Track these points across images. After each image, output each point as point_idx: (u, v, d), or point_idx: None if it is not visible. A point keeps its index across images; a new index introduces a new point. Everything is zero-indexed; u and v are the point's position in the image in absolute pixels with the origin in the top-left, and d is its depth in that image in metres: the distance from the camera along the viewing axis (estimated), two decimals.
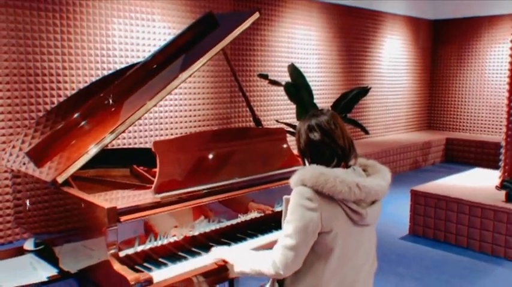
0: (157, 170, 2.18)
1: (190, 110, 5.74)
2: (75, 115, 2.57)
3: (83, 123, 2.55)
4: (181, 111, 5.64)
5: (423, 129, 9.99)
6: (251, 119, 6.41)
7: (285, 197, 1.90)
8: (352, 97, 4.80)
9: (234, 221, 2.32)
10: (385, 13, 8.54)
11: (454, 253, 4.36)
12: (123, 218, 1.92)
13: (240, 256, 1.92)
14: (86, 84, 4.73)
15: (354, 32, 7.93)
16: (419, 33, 9.54)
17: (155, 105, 2.45)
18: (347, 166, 1.86)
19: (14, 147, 2.89)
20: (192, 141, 2.36)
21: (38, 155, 2.47)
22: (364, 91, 4.89)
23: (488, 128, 9.24)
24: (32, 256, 2.50)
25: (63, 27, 4.60)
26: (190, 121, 5.77)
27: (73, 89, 4.70)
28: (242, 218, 2.36)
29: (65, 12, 4.60)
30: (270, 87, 6.48)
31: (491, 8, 8.94)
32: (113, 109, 2.52)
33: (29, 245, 2.59)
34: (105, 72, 4.91)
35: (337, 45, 7.65)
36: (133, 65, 3.28)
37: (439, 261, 4.19)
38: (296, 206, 1.77)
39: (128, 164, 3.09)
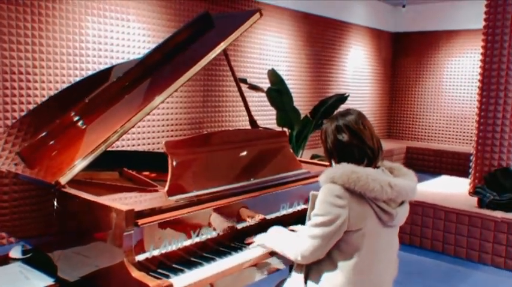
0: (169, 171, 2.07)
1: (162, 114, 5.59)
2: (70, 115, 2.43)
3: (79, 123, 2.41)
4: (153, 114, 5.47)
5: (383, 138, 10.25)
6: (225, 124, 6.35)
7: (312, 192, 1.88)
8: (331, 104, 4.84)
9: (242, 225, 2.24)
10: (350, 24, 8.73)
11: (431, 258, 4.46)
12: (140, 222, 1.80)
13: (274, 235, 2.04)
14: (63, 85, 4.52)
15: (321, 41, 8.05)
16: (381, 45, 9.82)
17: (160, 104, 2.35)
18: (376, 167, 1.85)
19: None
20: (202, 141, 2.27)
21: (31, 156, 2.30)
22: (343, 98, 4.94)
23: (445, 137, 9.61)
24: (21, 265, 2.31)
25: (34, 24, 4.35)
26: (163, 125, 5.62)
27: (43, 88, 4.46)
28: (251, 221, 2.28)
29: (36, 7, 4.36)
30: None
31: (448, 24, 9.35)
32: (114, 108, 2.39)
33: (15, 253, 2.39)
34: (78, 73, 4.70)
35: (306, 53, 7.73)
36: (122, 64, 3.16)
37: (419, 266, 4.27)
38: (324, 203, 1.77)
39: (113, 167, 2.94)
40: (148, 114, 2.27)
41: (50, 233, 2.18)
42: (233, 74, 2.89)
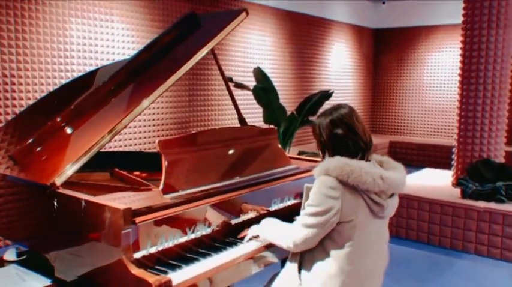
0: (163, 170, 2.11)
1: (148, 114, 5.60)
2: (60, 117, 2.45)
3: (70, 126, 2.43)
4: (139, 115, 5.46)
5: None
6: (211, 123, 6.39)
7: (306, 185, 1.93)
8: (315, 101, 4.91)
9: (237, 221, 2.29)
10: (332, 21, 8.83)
11: (416, 249, 4.57)
12: (138, 220, 1.83)
13: (267, 225, 2.10)
14: (49, 87, 4.50)
15: (304, 39, 8.13)
16: (362, 41, 9.95)
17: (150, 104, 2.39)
18: (367, 160, 1.91)
19: None
20: (194, 140, 2.31)
21: (24, 158, 2.32)
22: (327, 95, 5.02)
23: (427, 131, 9.79)
24: (16, 267, 2.32)
25: (17, 26, 4.33)
26: (149, 125, 5.63)
27: (28, 91, 4.44)
28: (244, 217, 2.33)
29: (19, 9, 4.33)
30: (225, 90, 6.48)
31: (427, 19, 9.52)
32: (105, 110, 2.42)
33: (10, 255, 2.40)
34: (63, 74, 4.69)
35: (289, 51, 7.80)
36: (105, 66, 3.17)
37: (405, 256, 4.37)
38: (318, 194, 1.82)
39: (103, 167, 2.96)
40: (140, 114, 2.31)
41: (46, 234, 2.21)
42: (222, 73, 2.93)
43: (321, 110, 5.33)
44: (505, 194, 4.43)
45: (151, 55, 2.83)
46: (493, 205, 4.36)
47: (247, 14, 2.84)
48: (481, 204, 4.40)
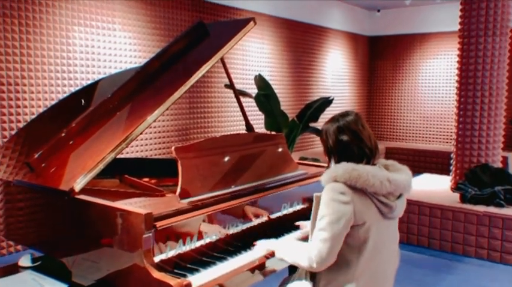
0: (179, 175, 2.15)
1: None
2: (74, 124, 2.49)
3: (84, 133, 2.47)
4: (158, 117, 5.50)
5: None
6: (212, 129, 6.44)
7: (315, 194, 1.97)
8: (317, 107, 4.98)
9: (251, 224, 2.34)
10: (328, 28, 8.94)
11: (418, 253, 4.64)
12: (158, 224, 1.88)
13: (283, 245, 2.07)
14: (52, 95, 4.54)
15: (301, 46, 8.22)
16: (358, 48, 10.07)
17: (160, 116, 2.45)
18: (373, 164, 1.97)
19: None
20: (208, 146, 2.36)
21: (40, 165, 2.36)
22: (328, 101, 5.10)
23: (422, 137, 9.90)
24: (32, 272, 2.35)
25: (22, 35, 4.36)
26: (150, 133, 5.66)
27: (32, 99, 4.46)
28: (256, 221, 2.38)
29: (24, 18, 4.37)
30: (226, 98, 6.54)
31: (421, 27, 9.66)
32: (118, 117, 2.47)
33: (25, 261, 2.43)
34: (66, 82, 4.73)
35: (287, 59, 7.88)
36: (121, 72, 3.21)
37: (407, 261, 4.42)
38: (330, 201, 1.85)
39: (111, 174, 3.00)
40: (155, 121, 2.37)
41: (63, 240, 2.24)
42: (230, 81, 2.99)
43: (322, 116, 5.44)
44: (504, 198, 4.52)
45: (162, 64, 2.88)
46: (492, 209, 4.44)
47: (255, 23, 2.89)
48: (480, 208, 4.48)
